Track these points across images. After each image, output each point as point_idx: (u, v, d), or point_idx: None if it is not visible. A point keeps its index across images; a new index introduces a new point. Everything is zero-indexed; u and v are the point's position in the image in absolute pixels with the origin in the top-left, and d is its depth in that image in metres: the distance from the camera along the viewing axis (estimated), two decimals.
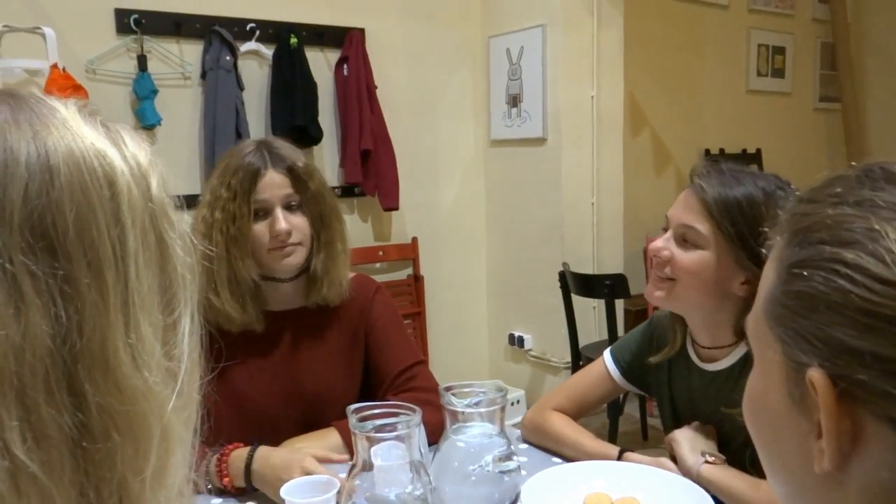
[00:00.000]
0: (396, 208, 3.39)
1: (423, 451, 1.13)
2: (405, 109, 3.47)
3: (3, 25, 2.50)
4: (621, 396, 3.20)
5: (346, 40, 3.24)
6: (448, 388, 1.18)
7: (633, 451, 1.32)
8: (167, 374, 0.46)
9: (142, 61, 2.79)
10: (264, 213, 1.42)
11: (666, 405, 1.43)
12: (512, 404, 3.44)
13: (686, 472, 1.22)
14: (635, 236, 3.93)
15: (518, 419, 1.56)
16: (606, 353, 1.49)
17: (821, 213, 0.47)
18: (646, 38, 4.10)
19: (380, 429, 1.05)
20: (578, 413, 1.48)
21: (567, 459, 1.38)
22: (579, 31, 3.35)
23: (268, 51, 3.08)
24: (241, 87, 2.97)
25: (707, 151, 4.65)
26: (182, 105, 2.94)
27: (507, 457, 1.17)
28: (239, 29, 3.00)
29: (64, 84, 2.50)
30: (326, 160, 3.30)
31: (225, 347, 1.11)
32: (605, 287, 2.94)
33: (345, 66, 3.23)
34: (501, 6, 3.57)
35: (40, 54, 2.54)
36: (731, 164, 1.26)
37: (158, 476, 0.45)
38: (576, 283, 3.08)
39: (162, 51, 2.88)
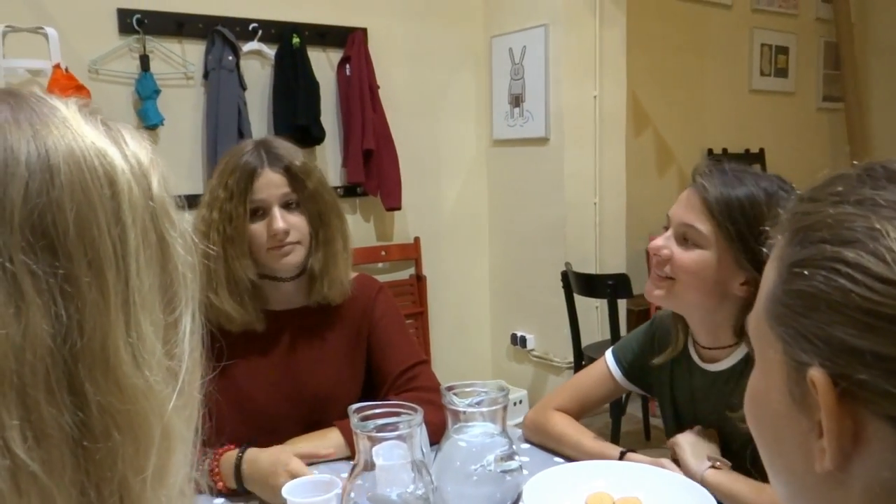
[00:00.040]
0: (399, 208, 3.39)
1: (424, 450, 1.13)
2: (407, 109, 3.47)
3: (6, 26, 2.51)
4: (624, 396, 3.21)
5: (348, 40, 3.24)
6: (450, 388, 1.18)
7: (635, 451, 1.32)
8: (168, 373, 0.46)
9: (144, 61, 2.79)
10: (262, 212, 1.42)
11: (667, 405, 1.43)
12: (514, 404, 3.44)
13: (691, 478, 1.21)
14: (638, 236, 3.93)
15: (520, 419, 1.55)
16: (608, 354, 1.49)
17: (822, 211, 0.47)
18: (648, 38, 4.09)
19: (381, 428, 1.05)
20: (580, 413, 1.48)
21: (569, 459, 1.38)
22: (582, 31, 3.35)
23: (270, 51, 3.08)
24: (243, 87, 2.97)
25: (710, 151, 4.64)
26: (184, 105, 2.95)
27: (509, 456, 1.17)
28: (241, 29, 3.00)
29: (66, 84, 2.51)
30: (329, 160, 3.31)
31: (226, 347, 1.11)
32: (608, 287, 2.94)
33: (347, 65, 3.23)
34: (504, 6, 3.57)
35: (43, 54, 2.55)
36: (734, 164, 1.25)
37: (159, 475, 0.45)
38: (578, 283, 3.08)
39: (164, 51, 2.88)
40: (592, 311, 3.44)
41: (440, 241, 3.67)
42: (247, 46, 3.02)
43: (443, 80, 3.61)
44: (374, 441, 1.05)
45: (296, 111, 3.05)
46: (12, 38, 2.54)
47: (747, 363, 1.24)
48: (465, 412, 1.16)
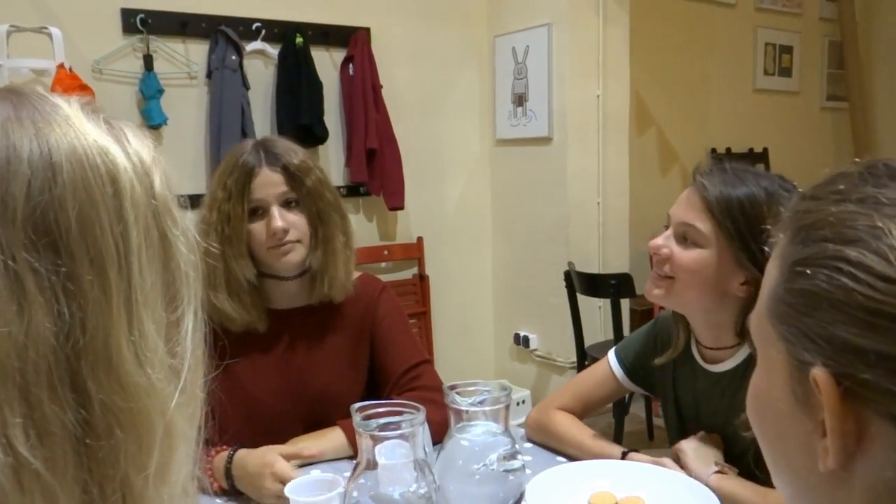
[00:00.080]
0: (402, 208, 3.39)
1: (427, 449, 1.13)
2: (410, 109, 3.47)
3: (10, 25, 2.51)
4: (627, 396, 3.20)
5: (351, 40, 3.24)
6: (452, 387, 1.18)
7: (637, 451, 1.32)
8: (170, 371, 0.46)
9: (148, 61, 2.79)
10: (262, 211, 1.42)
11: (670, 406, 1.42)
12: (517, 404, 3.43)
13: None
14: (641, 236, 3.91)
15: (523, 419, 1.55)
16: (611, 354, 1.49)
17: (824, 210, 0.47)
18: (652, 37, 4.08)
19: (384, 427, 1.05)
20: (583, 413, 1.48)
21: (571, 459, 1.38)
22: (585, 31, 3.34)
23: (273, 50, 3.08)
24: (246, 87, 2.98)
25: (713, 150, 4.63)
26: (188, 104, 2.95)
27: (512, 455, 1.16)
28: (244, 28, 3.00)
29: (70, 84, 2.51)
30: (332, 159, 3.31)
31: (229, 345, 1.11)
32: (611, 287, 2.93)
33: (350, 65, 3.23)
34: (507, 5, 3.56)
35: (47, 54, 2.55)
36: (735, 164, 1.25)
37: (162, 473, 0.45)
38: (581, 283, 3.08)
39: (168, 50, 2.88)
40: (595, 310, 3.43)
41: (443, 240, 3.67)
42: (250, 46, 3.02)
43: (446, 80, 3.61)
44: (376, 440, 1.05)
45: (299, 111, 3.05)
46: (16, 37, 2.55)
47: (750, 364, 1.23)
48: (467, 411, 1.16)
